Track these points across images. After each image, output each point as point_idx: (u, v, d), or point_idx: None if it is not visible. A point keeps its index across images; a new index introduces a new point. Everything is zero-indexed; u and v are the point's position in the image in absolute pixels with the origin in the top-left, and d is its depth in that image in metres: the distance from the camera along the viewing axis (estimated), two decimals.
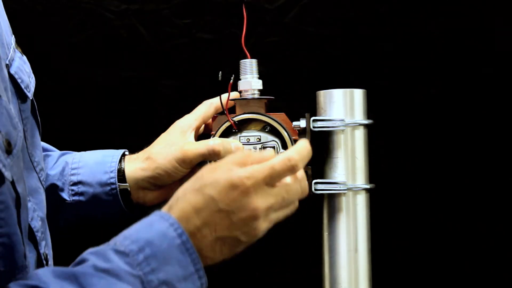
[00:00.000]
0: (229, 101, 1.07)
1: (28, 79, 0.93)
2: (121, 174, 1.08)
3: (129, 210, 1.09)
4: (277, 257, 1.82)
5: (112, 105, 1.74)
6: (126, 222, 0.87)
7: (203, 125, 1.13)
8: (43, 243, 0.91)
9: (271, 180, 0.84)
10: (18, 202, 0.78)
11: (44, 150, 1.13)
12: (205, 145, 1.05)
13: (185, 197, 0.82)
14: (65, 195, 1.08)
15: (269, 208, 0.85)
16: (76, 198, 1.08)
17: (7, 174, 0.74)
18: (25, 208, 0.82)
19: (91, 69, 1.78)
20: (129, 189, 1.08)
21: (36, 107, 0.96)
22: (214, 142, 1.04)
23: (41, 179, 0.95)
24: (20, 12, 1.73)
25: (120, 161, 1.09)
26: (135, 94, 1.75)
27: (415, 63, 1.75)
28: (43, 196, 0.94)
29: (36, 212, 0.91)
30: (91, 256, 0.78)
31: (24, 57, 0.96)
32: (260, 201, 0.83)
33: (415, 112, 1.75)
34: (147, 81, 1.77)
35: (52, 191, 1.08)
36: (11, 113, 0.78)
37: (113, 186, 1.07)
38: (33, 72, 0.98)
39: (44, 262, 0.91)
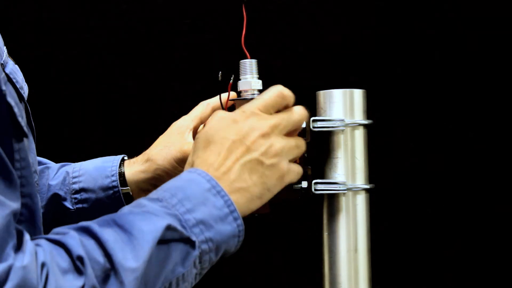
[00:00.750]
0: (228, 101, 1.07)
1: (22, 83, 0.94)
2: (121, 178, 1.09)
3: None
4: (277, 257, 1.82)
5: (111, 105, 1.74)
6: None
7: (201, 126, 1.14)
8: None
9: (265, 108, 0.92)
10: (34, 168, 0.82)
11: (44, 164, 1.14)
12: (192, 117, 1.06)
13: (198, 156, 0.88)
14: (68, 204, 1.09)
15: (274, 126, 0.91)
16: (79, 206, 1.09)
17: (26, 130, 0.77)
18: (36, 179, 0.84)
19: (90, 70, 1.78)
20: (131, 192, 1.09)
21: (30, 113, 0.97)
22: (201, 107, 1.06)
23: (36, 182, 0.96)
24: (19, 17, 1.73)
25: (120, 165, 1.10)
26: (135, 94, 1.75)
27: (415, 63, 1.75)
28: (38, 199, 0.95)
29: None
30: (126, 207, 0.82)
31: (17, 66, 0.96)
32: (263, 121, 0.91)
33: (415, 112, 1.75)
34: (147, 81, 1.77)
35: (55, 201, 1.09)
36: (14, 94, 0.81)
37: (116, 190, 1.08)
38: (31, 79, 0.99)
39: None
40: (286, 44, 1.75)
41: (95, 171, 1.10)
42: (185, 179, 0.85)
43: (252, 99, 1.07)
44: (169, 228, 0.79)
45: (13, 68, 0.93)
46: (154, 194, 0.83)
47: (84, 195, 1.09)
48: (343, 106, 1.06)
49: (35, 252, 0.73)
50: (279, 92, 0.94)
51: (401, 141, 1.75)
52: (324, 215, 1.07)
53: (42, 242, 0.76)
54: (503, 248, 1.76)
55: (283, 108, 0.94)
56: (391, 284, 1.75)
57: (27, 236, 0.74)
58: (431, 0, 1.74)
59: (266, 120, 0.91)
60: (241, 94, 1.09)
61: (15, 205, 0.73)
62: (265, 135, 0.90)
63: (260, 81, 1.08)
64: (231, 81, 1.06)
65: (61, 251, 0.75)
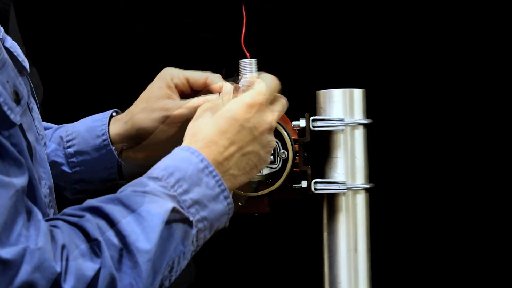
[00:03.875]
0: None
1: (23, 56, 0.95)
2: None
3: (130, 166, 1.10)
4: (277, 257, 1.82)
5: (110, 105, 1.74)
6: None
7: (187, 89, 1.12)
8: (51, 210, 0.92)
9: (272, 94, 0.96)
10: (30, 150, 0.81)
11: (44, 128, 1.14)
12: (187, 108, 1.05)
13: (206, 126, 0.91)
14: (66, 168, 1.10)
15: (274, 121, 0.95)
16: (77, 168, 1.10)
17: (14, 118, 0.77)
18: (36, 160, 0.84)
19: (90, 69, 1.78)
20: (116, 151, 1.09)
21: (32, 86, 0.97)
22: (198, 101, 1.05)
23: (45, 151, 0.97)
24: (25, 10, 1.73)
25: (109, 123, 1.10)
26: (134, 94, 1.75)
27: (415, 63, 1.75)
28: (48, 167, 0.96)
29: (44, 180, 0.92)
30: (128, 186, 0.85)
31: (15, 43, 0.97)
32: (272, 115, 0.94)
33: (415, 112, 1.75)
34: (146, 81, 1.77)
35: (54, 167, 1.09)
36: (16, 71, 0.81)
37: (108, 148, 1.09)
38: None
39: None
40: (286, 44, 1.75)
41: (86, 132, 1.11)
42: (181, 157, 0.88)
43: None
44: (173, 210, 0.82)
45: (12, 43, 0.94)
46: (153, 171, 0.86)
47: (80, 158, 1.10)
48: (343, 106, 1.06)
49: (52, 233, 0.75)
50: (275, 79, 0.97)
51: (401, 141, 1.75)
52: (324, 214, 1.07)
53: (60, 223, 0.78)
54: (503, 248, 1.76)
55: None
56: (391, 284, 1.75)
57: (39, 215, 0.75)
58: (431, 0, 1.74)
59: (273, 114, 0.94)
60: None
61: (20, 181, 0.74)
62: (270, 130, 0.94)
63: None
64: (222, 73, 1.06)
65: (79, 234, 0.77)
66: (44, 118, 1.14)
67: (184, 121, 1.05)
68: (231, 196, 0.89)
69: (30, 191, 0.79)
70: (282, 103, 0.97)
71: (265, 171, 1.05)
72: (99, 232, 0.77)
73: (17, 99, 0.79)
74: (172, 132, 1.07)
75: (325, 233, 1.07)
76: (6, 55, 0.80)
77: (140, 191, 0.83)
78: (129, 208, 0.81)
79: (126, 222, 0.79)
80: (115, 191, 0.88)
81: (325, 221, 1.07)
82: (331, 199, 1.06)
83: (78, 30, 1.78)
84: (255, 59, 1.08)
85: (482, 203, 1.75)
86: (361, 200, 1.06)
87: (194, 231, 0.85)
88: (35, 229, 0.73)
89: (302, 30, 1.76)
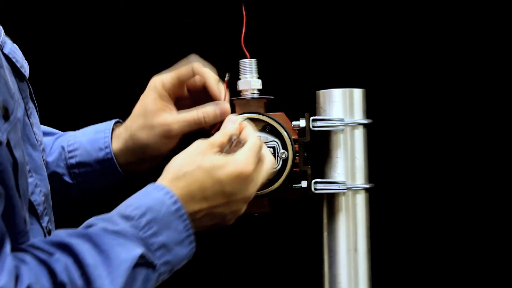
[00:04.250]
0: (228, 99, 1.07)
1: (22, 61, 0.94)
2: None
3: (131, 177, 1.11)
4: (277, 257, 1.82)
5: (109, 106, 1.74)
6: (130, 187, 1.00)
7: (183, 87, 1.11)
8: (46, 218, 0.92)
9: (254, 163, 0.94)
10: (16, 167, 0.80)
11: (45, 133, 1.14)
12: (187, 121, 1.05)
13: (192, 174, 0.91)
14: (67, 179, 1.10)
15: (254, 193, 0.95)
16: (79, 179, 1.10)
17: (1, 136, 0.76)
18: (24, 175, 0.83)
19: (90, 68, 1.78)
20: (120, 168, 1.09)
21: (32, 91, 0.97)
22: (197, 114, 1.04)
23: (44, 158, 0.97)
24: (25, 9, 1.73)
25: (112, 135, 1.10)
26: (134, 94, 1.75)
27: (414, 63, 1.75)
28: (45, 174, 0.96)
29: (39, 187, 0.92)
30: (99, 221, 0.85)
31: (15, 45, 0.96)
32: (252, 186, 0.94)
33: (415, 112, 1.75)
34: (146, 81, 1.77)
35: (55, 177, 1.09)
36: (8, 84, 0.80)
37: (112, 162, 1.08)
38: (33, 74, 0.99)
39: (47, 236, 0.92)
40: (286, 44, 1.75)
41: (89, 144, 1.10)
42: (155, 198, 0.88)
43: (252, 98, 1.07)
44: (141, 256, 0.83)
45: (11, 47, 0.93)
46: (125, 208, 0.86)
47: (81, 169, 1.10)
48: (343, 106, 1.06)
49: (18, 270, 0.74)
50: (259, 140, 0.97)
51: (401, 141, 1.75)
52: (324, 214, 1.07)
53: (28, 259, 0.77)
54: (503, 248, 1.76)
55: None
56: (391, 284, 1.75)
57: (7, 248, 0.75)
58: (431, 0, 1.74)
59: (253, 188, 0.94)
60: (241, 94, 1.09)
61: None
62: (247, 201, 0.94)
63: (260, 81, 1.08)
64: (226, 78, 1.06)
65: (46, 274, 0.77)
66: (44, 119, 1.14)
67: (185, 134, 1.05)
68: (194, 242, 0.90)
69: (7, 213, 0.78)
70: (265, 169, 0.96)
71: None
72: (66, 275, 0.77)
73: (6, 115, 0.78)
74: (174, 144, 1.07)
75: (325, 233, 1.07)
76: (2, 72, 0.79)
77: (110, 230, 0.83)
78: (99, 248, 0.81)
79: (94, 265, 0.79)
80: (113, 203, 0.88)
81: (325, 221, 1.07)
82: (331, 199, 1.06)
83: (78, 30, 1.78)
84: (255, 59, 1.08)
85: (482, 203, 1.75)
86: (361, 200, 1.06)
87: (155, 275, 0.86)
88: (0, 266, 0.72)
89: (302, 30, 1.76)
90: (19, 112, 0.83)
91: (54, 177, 1.09)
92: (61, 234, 0.82)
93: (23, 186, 0.83)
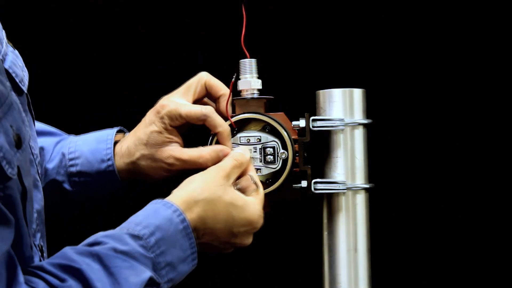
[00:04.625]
0: (229, 100, 1.07)
1: (22, 73, 0.93)
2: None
3: (131, 185, 1.11)
4: (277, 257, 1.82)
5: (109, 106, 1.74)
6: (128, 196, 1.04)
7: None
8: (38, 234, 0.91)
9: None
10: (24, 195, 0.80)
11: (45, 133, 1.14)
12: (192, 162, 1.04)
13: (210, 202, 0.94)
14: (67, 186, 1.09)
15: (250, 243, 1.01)
16: (79, 188, 1.09)
17: (10, 172, 0.75)
18: (30, 200, 0.83)
19: (90, 69, 1.78)
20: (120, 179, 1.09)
21: (30, 101, 0.96)
22: (204, 153, 1.04)
23: (39, 172, 0.96)
24: (24, 9, 1.73)
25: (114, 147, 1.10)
26: (134, 94, 1.75)
27: (414, 63, 1.75)
28: (40, 189, 0.95)
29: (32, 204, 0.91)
30: (108, 239, 0.85)
31: (16, 51, 0.95)
32: (251, 238, 1.00)
33: (415, 112, 1.75)
34: (146, 80, 1.77)
35: (55, 185, 1.09)
36: (20, 108, 0.79)
37: (113, 173, 1.08)
38: (33, 75, 0.98)
39: (39, 253, 0.91)
40: (286, 44, 1.75)
41: (91, 154, 1.09)
42: (163, 216, 0.90)
43: (252, 98, 1.07)
44: (149, 279, 0.84)
45: (12, 58, 0.92)
46: (134, 227, 0.87)
47: (82, 178, 1.09)
48: (343, 106, 1.06)
49: None
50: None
51: (401, 141, 1.75)
52: (324, 214, 1.07)
53: (41, 286, 0.77)
54: (503, 248, 1.76)
55: None
56: (391, 284, 1.75)
57: (20, 278, 0.75)
58: (431, 0, 1.74)
59: (251, 237, 1.00)
60: (241, 94, 1.09)
61: (6, 244, 0.74)
62: (241, 245, 1.00)
63: (260, 81, 1.08)
64: (233, 79, 1.06)
65: None
66: (44, 119, 1.14)
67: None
68: (197, 256, 0.92)
69: (16, 242, 0.78)
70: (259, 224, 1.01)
71: (265, 171, 1.06)
72: None
73: (19, 143, 0.77)
74: (173, 174, 1.07)
75: (325, 233, 1.07)
76: (14, 96, 0.78)
77: (120, 251, 0.84)
78: (108, 271, 0.81)
79: None
80: (111, 209, 0.88)
81: (325, 221, 1.07)
82: (331, 199, 1.06)
83: (78, 30, 1.78)
84: (255, 59, 1.08)
85: (482, 203, 1.75)
86: (361, 200, 1.06)
87: None
88: None
89: (302, 30, 1.76)
90: (27, 135, 0.82)
91: (53, 184, 1.09)
92: (70, 254, 0.81)
93: (29, 213, 0.83)
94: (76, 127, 1.22)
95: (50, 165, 1.10)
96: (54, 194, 1.05)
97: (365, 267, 1.06)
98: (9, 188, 0.76)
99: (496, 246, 1.76)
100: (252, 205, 0.98)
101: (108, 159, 1.08)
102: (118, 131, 1.12)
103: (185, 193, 0.94)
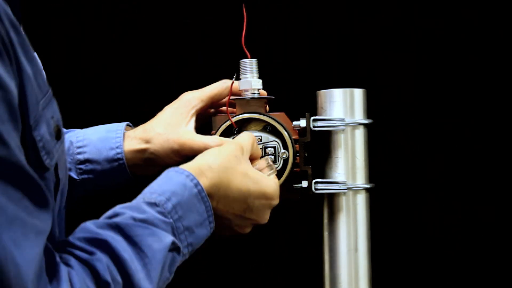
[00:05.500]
0: (230, 100, 1.08)
1: (44, 74, 0.94)
2: None
3: (136, 179, 1.10)
4: (277, 257, 1.82)
5: (109, 106, 1.74)
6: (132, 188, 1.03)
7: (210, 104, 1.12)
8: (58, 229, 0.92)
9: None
10: (57, 186, 0.81)
11: None
12: (203, 144, 1.05)
13: (226, 171, 0.94)
14: (73, 174, 1.09)
15: (267, 220, 1.00)
16: (85, 176, 1.09)
17: (48, 162, 0.76)
18: (62, 193, 0.84)
19: (90, 68, 1.78)
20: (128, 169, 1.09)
21: None
22: (214, 143, 1.04)
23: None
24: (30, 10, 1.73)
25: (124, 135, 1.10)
26: (134, 94, 1.75)
27: (414, 63, 1.75)
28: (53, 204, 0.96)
29: None
30: (126, 209, 0.85)
31: (35, 53, 0.96)
32: (268, 214, 0.99)
33: (415, 112, 1.75)
34: (146, 80, 1.77)
35: None
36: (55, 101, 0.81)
37: (121, 162, 1.08)
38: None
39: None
40: (286, 44, 1.75)
41: (100, 142, 1.10)
42: (176, 181, 0.89)
43: (252, 98, 1.07)
44: (172, 243, 0.84)
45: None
46: (150, 196, 0.87)
47: (89, 166, 1.09)
48: (343, 106, 1.06)
49: (70, 278, 0.75)
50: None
51: (401, 141, 1.75)
52: (325, 214, 1.07)
53: (73, 262, 0.78)
54: (503, 248, 1.76)
55: None
56: (391, 284, 1.75)
57: (57, 258, 0.75)
58: (431, 0, 1.74)
59: (267, 215, 0.99)
60: (241, 94, 1.09)
61: (48, 227, 0.74)
62: (259, 223, 0.99)
63: (260, 81, 1.08)
64: (233, 79, 1.06)
65: (91, 276, 0.78)
66: None
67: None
68: (213, 219, 0.91)
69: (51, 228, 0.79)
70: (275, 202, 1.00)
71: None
72: (109, 273, 0.78)
73: (59, 135, 0.79)
74: (181, 160, 1.07)
75: (326, 233, 1.07)
76: (50, 90, 0.79)
77: (139, 219, 0.83)
78: (131, 240, 0.82)
79: (131, 260, 0.80)
80: (115, 203, 0.87)
81: (325, 221, 1.07)
82: (332, 199, 1.06)
83: (78, 30, 1.78)
84: (255, 59, 1.08)
85: (482, 203, 1.75)
86: (361, 200, 1.06)
87: (181, 257, 0.87)
88: (57, 278, 0.74)
89: (302, 30, 1.76)
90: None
91: None
92: (92, 228, 0.82)
93: (58, 202, 0.83)
94: (76, 127, 1.22)
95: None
96: None
97: (365, 267, 1.06)
98: (46, 179, 0.77)
99: (496, 246, 1.76)
100: (267, 179, 0.97)
101: (117, 147, 1.09)
102: (127, 126, 1.13)
103: (198, 161, 0.94)
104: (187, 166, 0.92)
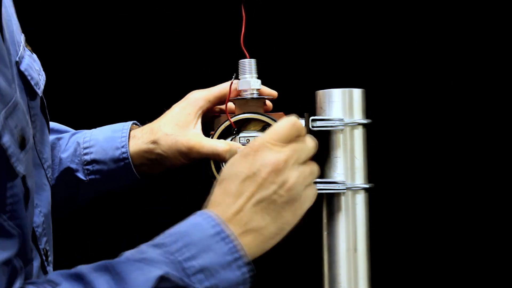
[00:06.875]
0: (228, 100, 1.08)
1: (38, 77, 0.94)
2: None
3: (144, 180, 1.11)
4: (277, 257, 1.82)
5: (109, 106, 1.74)
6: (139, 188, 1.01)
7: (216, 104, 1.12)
8: (44, 239, 0.91)
9: (278, 140, 0.88)
10: (27, 196, 0.79)
11: (59, 131, 1.14)
12: (211, 149, 1.04)
13: (211, 195, 0.86)
14: (81, 175, 1.09)
15: (288, 159, 0.87)
16: (92, 176, 1.09)
17: (20, 169, 0.75)
18: (32, 203, 0.82)
19: (90, 69, 1.79)
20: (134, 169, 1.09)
21: (45, 104, 0.97)
22: (222, 148, 1.04)
23: (48, 176, 0.96)
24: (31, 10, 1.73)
25: (129, 135, 1.10)
26: (134, 94, 1.75)
27: (414, 63, 1.75)
28: (48, 193, 0.95)
29: (39, 208, 0.91)
30: (125, 252, 0.80)
31: (34, 55, 0.96)
32: (275, 155, 0.86)
33: (414, 112, 1.75)
34: (146, 80, 1.77)
35: (68, 173, 1.09)
36: (24, 110, 0.79)
37: (127, 161, 1.08)
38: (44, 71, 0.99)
39: (44, 257, 0.91)
40: (286, 44, 1.75)
41: (105, 142, 1.09)
42: (191, 223, 0.83)
43: (251, 98, 1.07)
44: (163, 278, 0.78)
45: (29, 62, 0.92)
46: (159, 238, 0.82)
47: (96, 166, 1.09)
48: (342, 106, 1.06)
49: None
50: (291, 123, 0.89)
51: (401, 141, 1.75)
52: (324, 214, 1.07)
53: None
54: (503, 248, 1.76)
55: (295, 138, 0.90)
56: (391, 284, 1.75)
57: (17, 284, 0.73)
58: (431, 0, 1.74)
59: (278, 153, 0.86)
60: (240, 94, 1.09)
61: (6, 254, 0.73)
62: (277, 171, 0.86)
63: (259, 81, 1.08)
64: (232, 79, 1.06)
65: None
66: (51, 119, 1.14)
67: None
68: (249, 265, 0.84)
69: (21, 242, 0.77)
70: (296, 147, 0.89)
71: None
72: None
73: (23, 144, 0.76)
74: (188, 162, 1.07)
75: (325, 233, 1.07)
76: (18, 97, 0.77)
77: (134, 259, 0.79)
78: (117, 275, 0.77)
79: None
80: (121, 206, 0.86)
81: (324, 221, 1.07)
82: (331, 199, 1.06)
83: (78, 30, 1.78)
84: (254, 59, 1.08)
85: (482, 203, 1.75)
86: (360, 200, 1.06)
87: None
88: None
89: (302, 30, 1.76)
90: (31, 137, 0.81)
91: (67, 173, 1.09)
92: (80, 267, 0.78)
93: (30, 213, 0.81)
94: (78, 128, 1.22)
95: (64, 155, 1.10)
96: (68, 184, 1.05)
97: (365, 267, 1.06)
98: (16, 187, 0.76)
99: (496, 246, 1.76)
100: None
101: (123, 146, 1.08)
102: (133, 124, 1.13)
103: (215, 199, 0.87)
104: (207, 205, 0.86)
